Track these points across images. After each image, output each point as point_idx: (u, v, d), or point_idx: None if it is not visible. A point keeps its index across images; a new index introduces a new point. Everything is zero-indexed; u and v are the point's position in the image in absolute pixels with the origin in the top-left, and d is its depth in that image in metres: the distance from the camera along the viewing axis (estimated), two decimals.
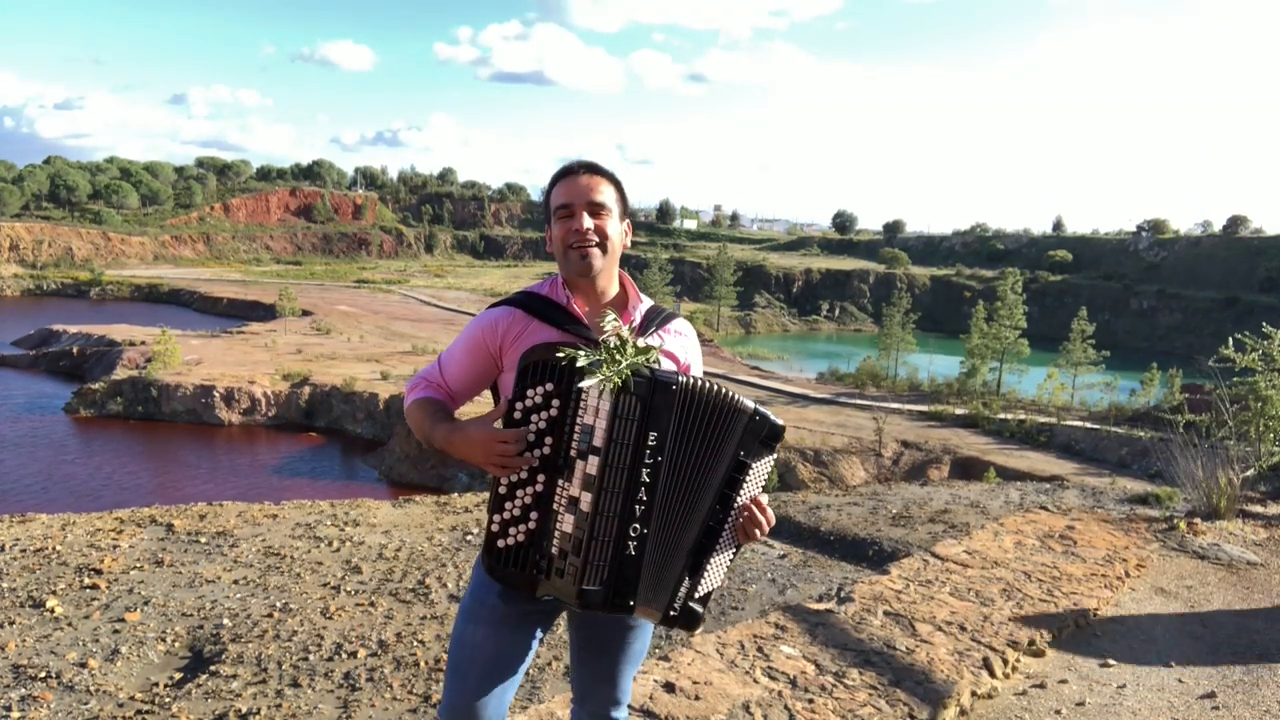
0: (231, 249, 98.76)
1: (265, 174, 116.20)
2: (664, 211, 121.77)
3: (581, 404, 1.69)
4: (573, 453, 1.70)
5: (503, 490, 1.76)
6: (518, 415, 1.73)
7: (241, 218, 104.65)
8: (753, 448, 1.78)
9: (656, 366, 1.74)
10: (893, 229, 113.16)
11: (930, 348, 58.17)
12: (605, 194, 1.88)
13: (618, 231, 1.91)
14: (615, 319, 1.79)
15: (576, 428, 1.69)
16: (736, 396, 1.76)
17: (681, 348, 1.97)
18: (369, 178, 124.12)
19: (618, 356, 1.69)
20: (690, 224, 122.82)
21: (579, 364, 1.67)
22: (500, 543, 1.76)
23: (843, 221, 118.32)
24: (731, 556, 1.86)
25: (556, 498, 1.72)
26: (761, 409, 1.78)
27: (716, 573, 1.84)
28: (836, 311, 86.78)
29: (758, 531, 1.82)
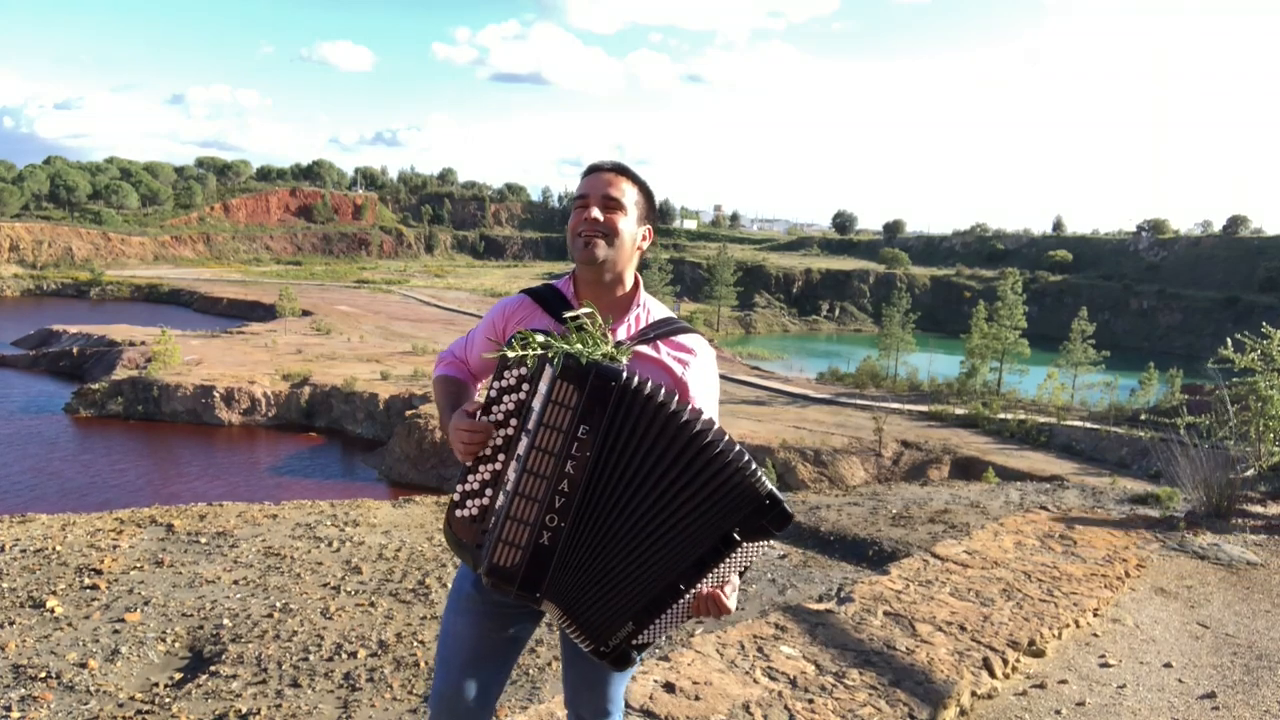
0: (231, 249, 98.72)
1: (265, 174, 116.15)
2: (664, 211, 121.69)
3: (537, 388, 1.70)
4: (520, 435, 1.71)
5: (469, 463, 1.80)
6: (492, 395, 1.78)
7: (241, 218, 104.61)
8: (753, 529, 1.67)
9: (613, 363, 1.71)
10: (893, 229, 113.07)
11: (930, 348, 58.14)
12: (624, 193, 1.90)
13: (631, 231, 1.91)
14: (590, 309, 1.80)
15: (529, 410, 1.71)
16: (755, 470, 1.65)
17: (677, 361, 1.89)
18: (369, 178, 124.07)
19: (561, 341, 1.70)
20: (690, 224, 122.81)
21: (519, 340, 1.71)
22: (458, 512, 1.80)
23: (843, 221, 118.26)
24: (681, 622, 1.77)
25: (505, 479, 1.74)
26: (776, 493, 1.67)
27: (662, 630, 1.75)
28: (836, 311, 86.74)
29: (711, 613, 1.72)
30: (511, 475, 1.70)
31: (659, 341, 1.90)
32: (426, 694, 5.03)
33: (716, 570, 1.70)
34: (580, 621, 1.74)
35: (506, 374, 1.76)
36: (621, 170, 1.93)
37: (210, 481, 27.52)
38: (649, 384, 1.67)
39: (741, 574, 1.75)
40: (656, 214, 2.00)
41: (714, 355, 1.99)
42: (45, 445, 31.37)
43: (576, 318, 1.79)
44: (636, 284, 1.98)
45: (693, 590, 1.71)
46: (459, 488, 1.81)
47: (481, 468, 1.77)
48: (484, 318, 2.06)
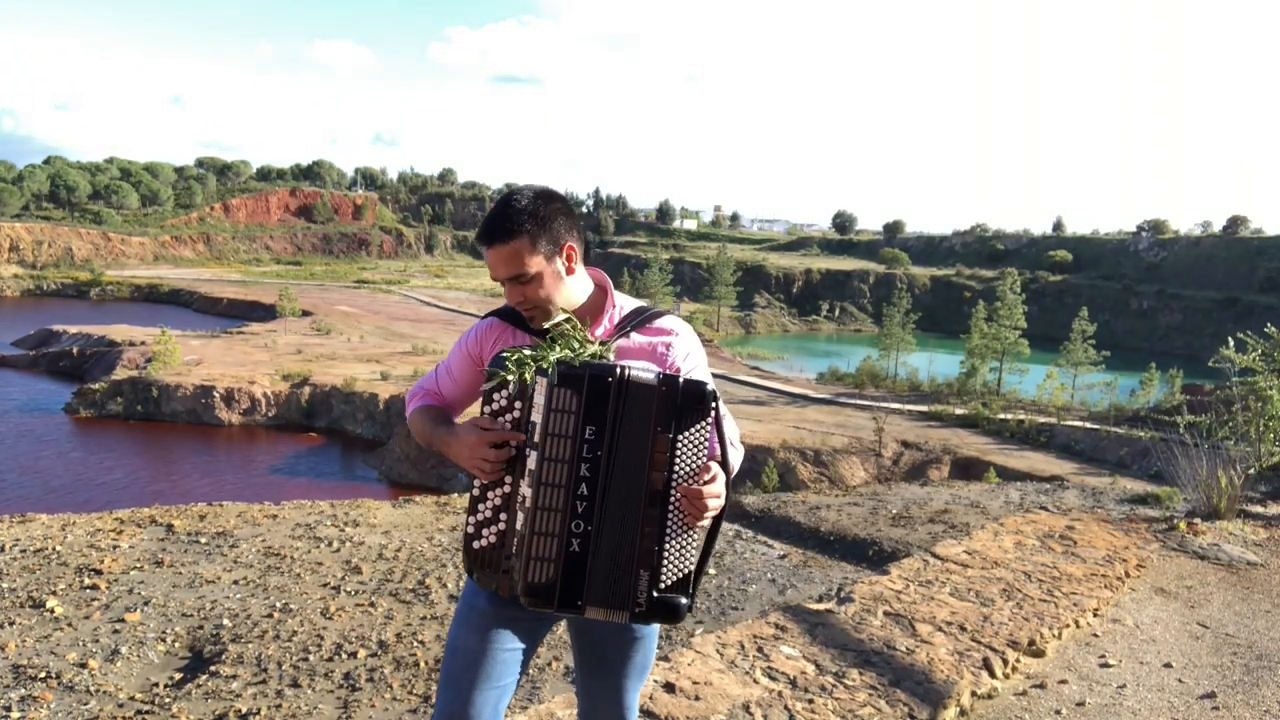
0: (231, 249, 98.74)
1: (265, 174, 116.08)
2: (664, 211, 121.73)
3: (533, 403, 1.69)
4: (526, 451, 1.70)
5: (476, 492, 1.78)
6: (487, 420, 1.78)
7: (241, 218, 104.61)
8: (671, 420, 1.65)
9: (604, 360, 1.72)
10: (893, 229, 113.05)
11: (930, 348, 58.14)
12: (523, 259, 1.81)
13: (553, 279, 1.85)
14: (567, 317, 1.82)
15: (529, 426, 1.70)
16: (632, 371, 1.66)
17: (661, 345, 1.91)
18: (369, 178, 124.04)
19: (547, 351, 1.71)
20: (690, 224, 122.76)
21: (510, 361, 1.71)
22: (475, 544, 1.79)
23: (843, 221, 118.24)
24: (695, 540, 1.71)
25: (518, 498, 1.72)
26: (669, 375, 1.68)
27: (679, 559, 1.70)
28: (836, 312, 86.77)
29: (704, 504, 1.66)
30: (527, 491, 1.68)
31: (637, 331, 1.91)
32: (426, 694, 5.03)
33: (672, 474, 1.67)
34: (613, 604, 1.69)
35: (496, 397, 1.75)
36: (502, 234, 1.80)
37: (220, 484, 27.50)
38: (642, 371, 1.68)
39: (725, 467, 1.71)
40: (570, 218, 1.88)
41: (692, 330, 1.99)
42: (35, 444, 31.37)
43: (557, 326, 1.80)
44: (602, 286, 1.97)
45: (669, 505, 1.67)
46: (471, 519, 1.79)
47: (490, 494, 1.77)
48: (453, 349, 2.00)
